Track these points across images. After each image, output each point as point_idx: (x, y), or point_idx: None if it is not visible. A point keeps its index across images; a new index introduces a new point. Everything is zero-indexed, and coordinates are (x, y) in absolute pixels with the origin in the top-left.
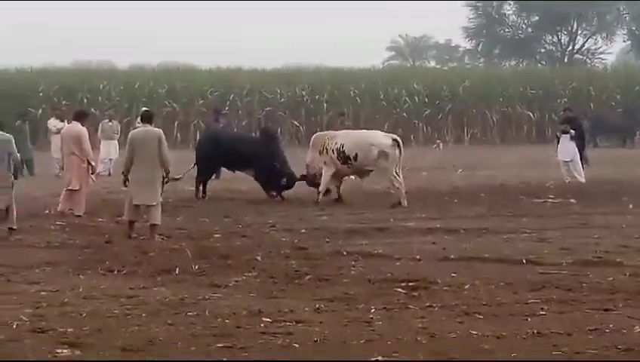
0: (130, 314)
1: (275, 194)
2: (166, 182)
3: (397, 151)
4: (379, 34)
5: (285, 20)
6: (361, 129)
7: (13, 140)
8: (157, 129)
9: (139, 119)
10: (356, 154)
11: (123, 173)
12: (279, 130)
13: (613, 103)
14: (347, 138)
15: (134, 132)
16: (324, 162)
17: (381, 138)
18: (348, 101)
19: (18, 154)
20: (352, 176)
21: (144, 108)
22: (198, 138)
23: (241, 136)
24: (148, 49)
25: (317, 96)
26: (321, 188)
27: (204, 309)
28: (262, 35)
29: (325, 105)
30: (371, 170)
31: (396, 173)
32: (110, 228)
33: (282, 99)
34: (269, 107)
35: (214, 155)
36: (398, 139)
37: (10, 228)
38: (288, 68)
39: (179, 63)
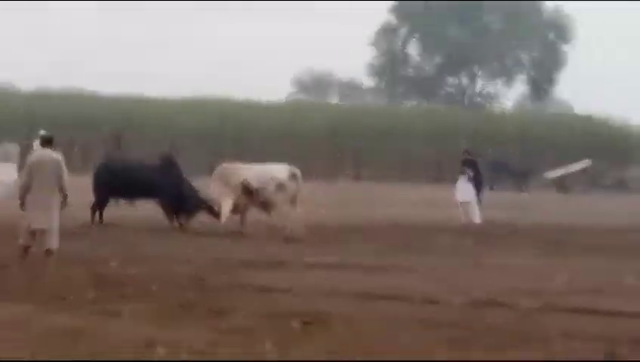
0: (19, 342)
1: (182, 220)
2: (63, 207)
3: (294, 184)
4: (284, 68)
5: (192, 49)
6: (264, 162)
7: None
8: (56, 153)
9: (37, 142)
10: (257, 188)
11: (19, 196)
12: (177, 157)
13: (511, 147)
14: (250, 172)
15: (33, 155)
16: (226, 195)
17: (280, 171)
18: (253, 134)
19: None
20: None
21: (42, 132)
22: (94, 166)
23: (139, 163)
24: (52, 73)
25: (223, 127)
26: (222, 220)
27: (98, 337)
28: (168, 62)
29: (231, 136)
30: (273, 204)
31: (294, 205)
32: (4, 253)
33: (187, 130)
34: (175, 135)
35: (111, 185)
36: (297, 171)
37: None
38: (193, 98)
39: (82, 89)
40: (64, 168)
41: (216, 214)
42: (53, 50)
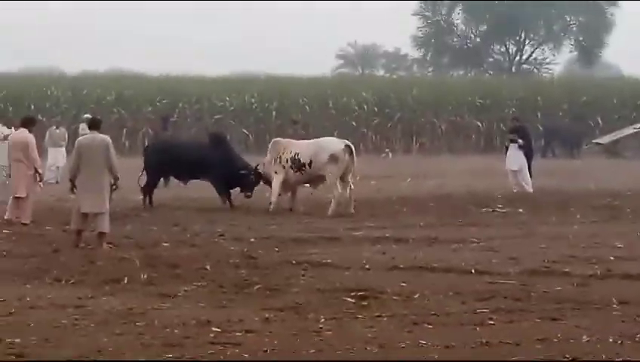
0: (78, 324)
1: (248, 194)
2: (114, 190)
3: (347, 157)
4: (328, 42)
5: (236, 26)
6: (311, 137)
7: None
8: (104, 136)
9: (82, 125)
10: (310, 161)
11: (70, 180)
12: (227, 135)
13: (560, 113)
14: (302, 146)
15: (81, 139)
16: (275, 171)
17: (334, 143)
18: (297, 110)
19: None
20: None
21: (86, 115)
22: (145, 146)
23: (191, 143)
24: (96, 55)
25: (266, 104)
26: (272, 198)
27: (153, 319)
28: (212, 40)
29: (274, 113)
30: (323, 179)
31: (347, 180)
32: (57, 237)
33: (231, 107)
34: (218, 115)
35: (163, 164)
36: (351, 145)
37: None
38: (237, 76)
39: (127, 70)
40: (112, 150)
41: (270, 183)
42: (96, 32)
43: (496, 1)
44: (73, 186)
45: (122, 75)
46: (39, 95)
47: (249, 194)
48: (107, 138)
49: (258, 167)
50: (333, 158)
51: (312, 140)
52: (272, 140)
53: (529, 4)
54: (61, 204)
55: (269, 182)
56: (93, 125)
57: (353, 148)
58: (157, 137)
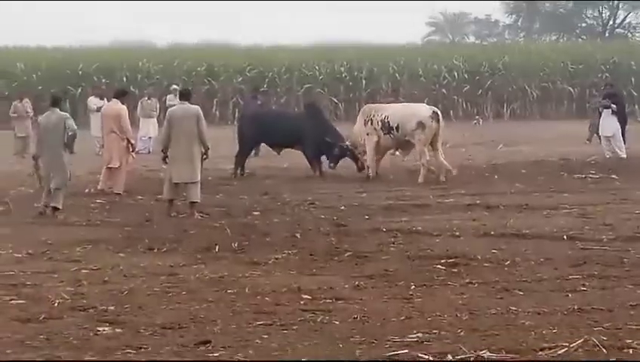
0: (171, 291)
1: (331, 165)
2: (205, 160)
3: (435, 124)
4: (417, 10)
5: None
6: None
7: (69, 117)
8: (195, 106)
9: (169, 96)
10: (398, 125)
11: (162, 150)
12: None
13: None
14: (392, 109)
15: (172, 109)
16: (367, 133)
17: (422, 109)
18: (387, 78)
19: (75, 127)
20: (397, 152)
21: (174, 86)
22: (238, 116)
23: (286, 112)
24: (186, 27)
25: (355, 73)
26: (368, 160)
27: (244, 287)
28: (299, 10)
29: (364, 82)
30: (413, 145)
31: (437, 147)
32: (150, 206)
33: (321, 77)
34: (308, 84)
35: (258, 134)
36: (438, 111)
37: (55, 208)
38: (326, 44)
39: (217, 41)
40: (203, 121)
41: (354, 157)
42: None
43: None
44: (165, 156)
45: (212, 46)
46: (131, 67)
47: (332, 165)
48: (198, 108)
49: (345, 143)
50: (421, 125)
51: (402, 105)
52: (363, 107)
53: None
54: (153, 173)
55: (353, 156)
56: (184, 96)
57: (440, 115)
58: (248, 107)
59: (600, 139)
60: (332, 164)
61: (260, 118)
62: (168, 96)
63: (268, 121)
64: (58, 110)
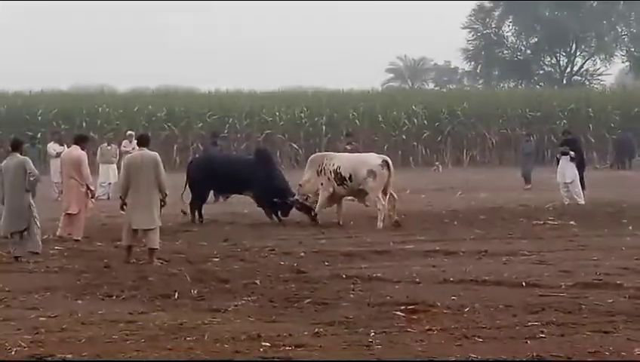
0: (129, 339)
1: (278, 215)
2: (163, 206)
3: (386, 172)
4: (378, 56)
5: (283, 40)
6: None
7: (30, 161)
8: (153, 152)
9: (124, 142)
10: (350, 175)
11: (120, 197)
12: (275, 152)
13: (612, 125)
14: (342, 159)
15: (131, 156)
16: (322, 183)
17: (372, 158)
18: (347, 123)
19: (37, 171)
20: (351, 198)
21: (129, 132)
22: (189, 161)
23: (235, 158)
24: (146, 73)
25: (316, 119)
26: (317, 206)
27: (203, 334)
28: (261, 57)
29: (324, 127)
30: (366, 193)
31: (389, 193)
32: (109, 253)
33: (281, 122)
34: (268, 130)
35: (207, 179)
36: (388, 160)
37: (33, 252)
38: (287, 90)
39: (177, 86)
40: (161, 167)
41: (305, 208)
42: (150, 51)
43: (547, 14)
44: (123, 203)
45: (172, 92)
46: (90, 112)
47: (284, 215)
48: (156, 155)
49: (291, 199)
50: (372, 173)
51: (352, 154)
52: (312, 156)
53: (579, 15)
54: (112, 220)
55: (305, 209)
56: (143, 142)
57: (390, 163)
58: (206, 153)
59: (526, 181)
60: (276, 214)
61: (206, 164)
62: (123, 142)
63: (214, 167)
64: (18, 154)
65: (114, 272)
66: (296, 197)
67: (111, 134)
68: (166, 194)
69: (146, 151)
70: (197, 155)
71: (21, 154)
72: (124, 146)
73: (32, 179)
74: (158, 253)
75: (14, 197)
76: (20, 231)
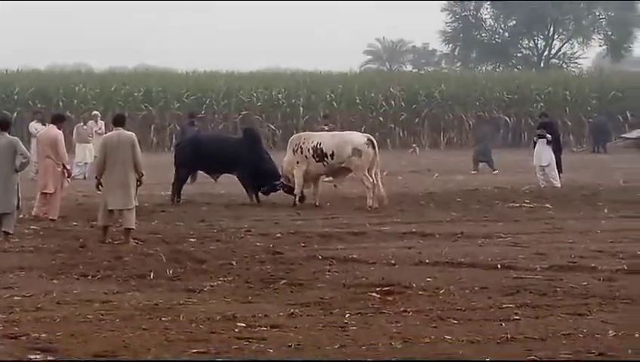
0: (104, 319)
1: (265, 191)
2: (139, 186)
3: (371, 150)
4: (356, 37)
5: (262, 22)
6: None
7: (20, 142)
8: (130, 132)
9: (90, 123)
10: (333, 152)
11: (96, 176)
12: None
13: (588, 108)
14: (324, 137)
15: (107, 136)
16: (297, 162)
17: (356, 136)
18: (324, 105)
19: (29, 153)
20: (328, 179)
21: (94, 112)
22: (175, 142)
23: (223, 138)
24: (124, 51)
25: (293, 100)
26: (296, 189)
27: (179, 314)
28: (240, 37)
29: (301, 108)
30: (347, 173)
31: (372, 175)
32: (84, 233)
33: (259, 103)
34: (246, 110)
35: (195, 160)
36: (373, 138)
37: (6, 233)
38: (265, 71)
39: (155, 66)
40: (138, 147)
41: (289, 189)
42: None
43: None
44: (99, 183)
45: (150, 72)
46: (67, 91)
47: (265, 194)
48: (132, 135)
49: (278, 182)
50: (357, 151)
51: (333, 133)
52: (294, 135)
53: None
54: (88, 199)
55: (290, 190)
56: (119, 122)
57: (375, 143)
58: (185, 134)
59: (475, 165)
60: (265, 194)
61: (197, 144)
62: (89, 123)
63: (205, 147)
64: (7, 134)
65: (89, 252)
66: (281, 180)
67: (87, 114)
68: (142, 174)
69: (122, 131)
70: (175, 136)
71: (9, 133)
72: (89, 127)
73: (23, 160)
74: (134, 233)
75: (2, 177)
76: (7, 213)
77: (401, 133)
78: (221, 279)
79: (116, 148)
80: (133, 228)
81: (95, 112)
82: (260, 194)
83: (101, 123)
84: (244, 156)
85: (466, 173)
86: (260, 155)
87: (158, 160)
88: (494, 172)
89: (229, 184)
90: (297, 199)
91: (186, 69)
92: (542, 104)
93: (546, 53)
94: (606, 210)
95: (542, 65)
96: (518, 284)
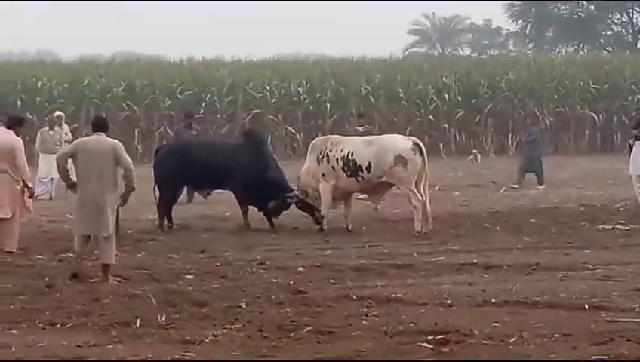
0: None
1: (273, 208)
2: (121, 205)
3: (419, 158)
4: (397, 13)
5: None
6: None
7: None
8: (114, 140)
9: (56, 128)
10: (369, 163)
11: (68, 185)
12: (268, 137)
13: None
14: (357, 143)
15: (83, 139)
16: (323, 174)
17: (399, 141)
18: (358, 100)
19: None
20: (363, 196)
21: (57, 113)
22: (156, 150)
23: (217, 143)
24: (100, 38)
25: (318, 95)
26: (322, 209)
27: None
28: (249, 24)
29: (328, 105)
30: (388, 188)
31: (419, 189)
32: (51, 269)
33: (273, 99)
34: (257, 109)
35: (180, 172)
36: (420, 143)
37: None
38: (281, 58)
39: (139, 54)
40: (124, 156)
41: (308, 207)
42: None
43: None
44: (74, 184)
45: (133, 61)
46: (27, 87)
47: (276, 216)
48: (117, 143)
49: (290, 195)
50: (401, 160)
51: (368, 137)
52: (313, 141)
53: None
54: (56, 226)
55: (306, 207)
56: (99, 125)
57: (423, 148)
58: (179, 139)
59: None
60: (272, 215)
61: (180, 151)
62: (56, 128)
63: (192, 155)
64: None
65: (58, 293)
66: (294, 192)
67: (53, 116)
68: (133, 189)
69: (103, 137)
70: (165, 142)
71: None
72: (56, 133)
73: None
74: (116, 268)
75: None
76: None
77: (457, 136)
78: (227, 327)
79: (92, 158)
80: (112, 264)
81: (58, 113)
82: (272, 215)
83: (66, 127)
84: (242, 165)
85: (539, 185)
86: (263, 164)
87: (145, 173)
88: (540, 187)
89: (235, 203)
90: (324, 221)
91: (179, 57)
92: (639, 96)
93: None
94: None
95: (638, 45)
96: (611, 330)
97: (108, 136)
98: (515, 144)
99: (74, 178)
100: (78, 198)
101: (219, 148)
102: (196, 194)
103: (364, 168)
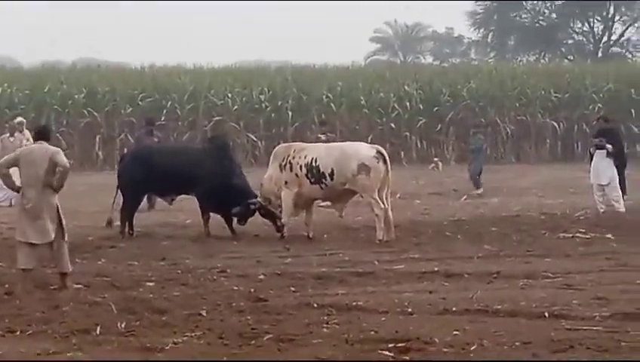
0: None
1: (237, 214)
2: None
3: (382, 166)
4: (360, 21)
5: (241, 7)
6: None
7: None
8: (52, 147)
9: (14, 134)
10: (332, 170)
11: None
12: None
13: None
14: (320, 150)
15: (26, 149)
16: (285, 181)
17: (362, 149)
18: (320, 108)
19: None
20: (325, 203)
21: (19, 119)
22: (120, 157)
23: (181, 148)
24: (61, 43)
25: (280, 102)
26: (283, 217)
27: None
28: (212, 30)
29: (290, 113)
30: (350, 196)
31: (382, 197)
32: (10, 276)
33: (235, 106)
34: (218, 116)
35: (144, 178)
36: (383, 151)
37: None
38: (243, 65)
39: (100, 60)
40: (63, 164)
41: (269, 214)
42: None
43: None
44: (17, 186)
45: (94, 67)
46: None
47: (242, 223)
48: (58, 151)
49: (253, 201)
50: (364, 168)
51: (331, 144)
52: (276, 148)
53: None
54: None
55: (269, 215)
56: (42, 134)
57: (387, 156)
58: (139, 146)
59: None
60: (236, 222)
61: (144, 157)
62: (17, 134)
63: (155, 161)
64: None
65: (17, 301)
66: (258, 199)
67: (14, 122)
68: (61, 187)
69: (44, 145)
70: (127, 150)
71: None
72: (17, 139)
73: None
74: (76, 275)
75: None
76: None
77: (418, 144)
78: (187, 334)
79: (34, 166)
80: (68, 271)
81: (19, 119)
82: (235, 223)
83: (27, 133)
84: (206, 171)
85: (503, 194)
86: (228, 170)
87: (105, 180)
88: (477, 191)
89: (197, 211)
90: (285, 230)
91: (140, 64)
92: (600, 105)
93: (604, 39)
94: None
95: (599, 54)
96: (571, 338)
97: (52, 145)
98: None
99: (18, 183)
100: (20, 206)
101: (183, 153)
102: (158, 200)
103: (327, 175)
